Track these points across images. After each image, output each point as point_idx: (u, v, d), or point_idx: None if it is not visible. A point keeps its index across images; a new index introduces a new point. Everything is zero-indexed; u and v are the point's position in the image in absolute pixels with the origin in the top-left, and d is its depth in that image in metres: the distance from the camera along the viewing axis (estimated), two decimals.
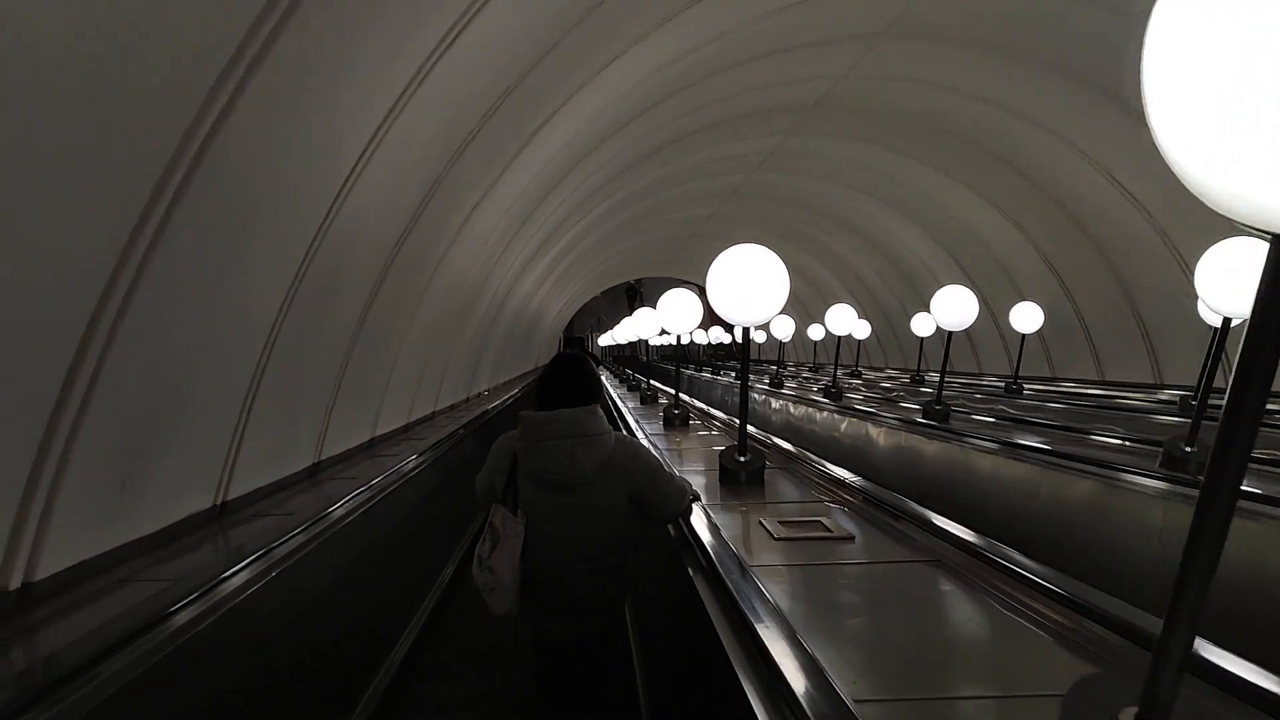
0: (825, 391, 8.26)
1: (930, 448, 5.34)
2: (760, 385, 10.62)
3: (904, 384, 10.68)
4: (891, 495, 2.87)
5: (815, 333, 13.54)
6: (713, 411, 6.72)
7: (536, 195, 6.86)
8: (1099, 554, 3.52)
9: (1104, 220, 8.19)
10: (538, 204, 7.21)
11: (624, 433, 3.61)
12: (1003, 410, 6.60)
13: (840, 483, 3.29)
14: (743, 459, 3.38)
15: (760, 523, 2.67)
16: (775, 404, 9.70)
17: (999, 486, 4.49)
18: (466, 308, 7.09)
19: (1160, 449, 3.44)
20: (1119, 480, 3.57)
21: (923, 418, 5.72)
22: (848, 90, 7.98)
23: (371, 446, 4.88)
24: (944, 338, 6.02)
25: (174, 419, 2.42)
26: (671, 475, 2.52)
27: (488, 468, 2.41)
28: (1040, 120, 7.68)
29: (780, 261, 3.02)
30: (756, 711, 1.31)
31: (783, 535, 2.51)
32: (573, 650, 2.35)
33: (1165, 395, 7.09)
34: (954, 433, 5.19)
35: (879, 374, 14.05)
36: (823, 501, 3.11)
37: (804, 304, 17.16)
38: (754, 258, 3.02)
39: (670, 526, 2.55)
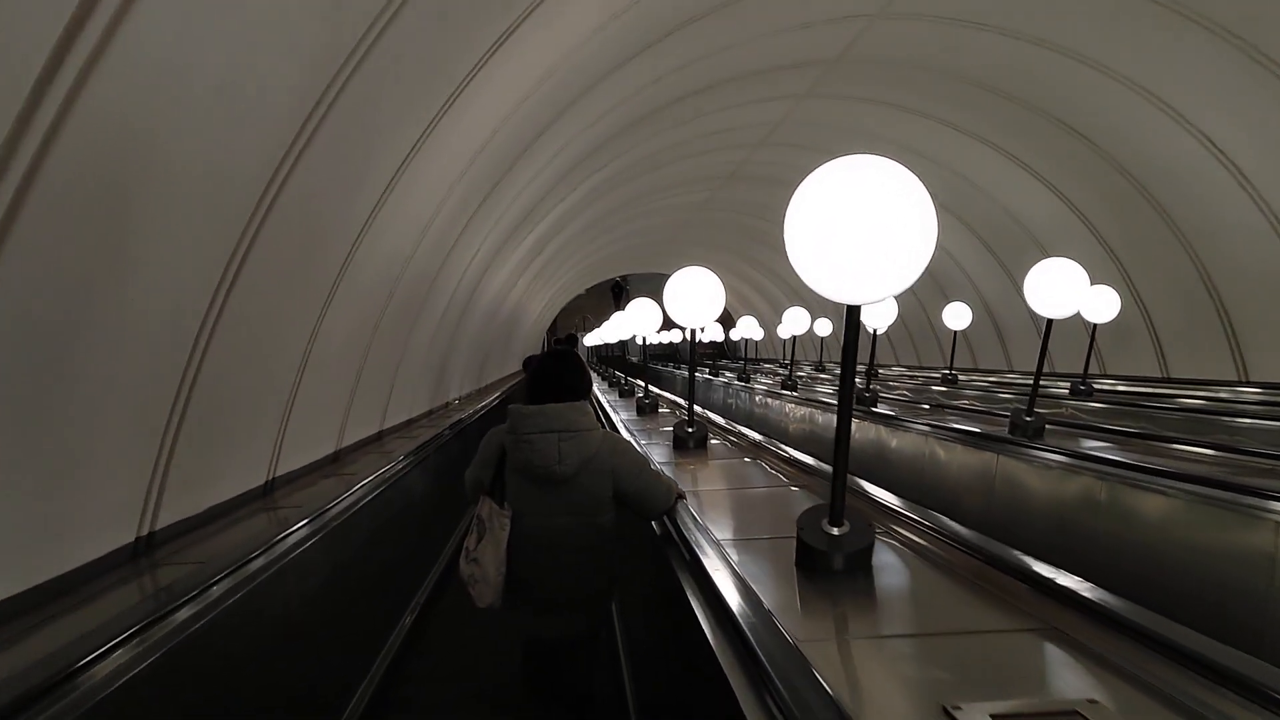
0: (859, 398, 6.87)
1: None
2: (768, 389, 9.50)
3: (933, 384, 9.41)
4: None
5: (822, 328, 12.14)
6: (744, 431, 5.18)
7: (493, 168, 5.38)
8: None
9: (1181, 192, 6.87)
10: (501, 177, 5.66)
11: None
12: (1083, 419, 5.32)
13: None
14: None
15: None
16: (797, 411, 8.18)
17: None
18: (411, 303, 5.37)
19: None
20: None
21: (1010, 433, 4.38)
22: (879, 37, 6.56)
23: (269, 492, 3.39)
24: (1042, 329, 4.62)
25: None
26: (658, 472, 2.52)
27: (476, 462, 2.42)
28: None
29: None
30: (742, 704, 1.28)
31: None
32: (559, 645, 2.38)
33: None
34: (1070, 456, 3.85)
35: (890, 371, 12.74)
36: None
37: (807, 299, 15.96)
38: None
39: (654, 523, 2.51)
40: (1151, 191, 7.23)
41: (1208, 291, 7.14)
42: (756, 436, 4.36)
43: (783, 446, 3.92)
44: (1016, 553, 1.97)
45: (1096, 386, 7.15)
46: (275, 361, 3.24)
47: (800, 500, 2.97)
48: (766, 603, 1.65)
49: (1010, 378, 9.70)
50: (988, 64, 6.97)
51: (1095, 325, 6.71)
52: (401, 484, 4.47)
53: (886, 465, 5.47)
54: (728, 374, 13.02)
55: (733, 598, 1.67)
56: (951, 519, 2.31)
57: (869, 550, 2.01)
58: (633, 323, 5.51)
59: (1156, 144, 6.73)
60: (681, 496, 2.52)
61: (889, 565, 2.14)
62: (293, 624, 2.76)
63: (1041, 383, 4.45)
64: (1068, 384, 7.31)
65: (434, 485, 5.48)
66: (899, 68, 7.34)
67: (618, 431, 4.87)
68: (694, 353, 4.08)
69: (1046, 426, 4.35)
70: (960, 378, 9.47)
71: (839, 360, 10.05)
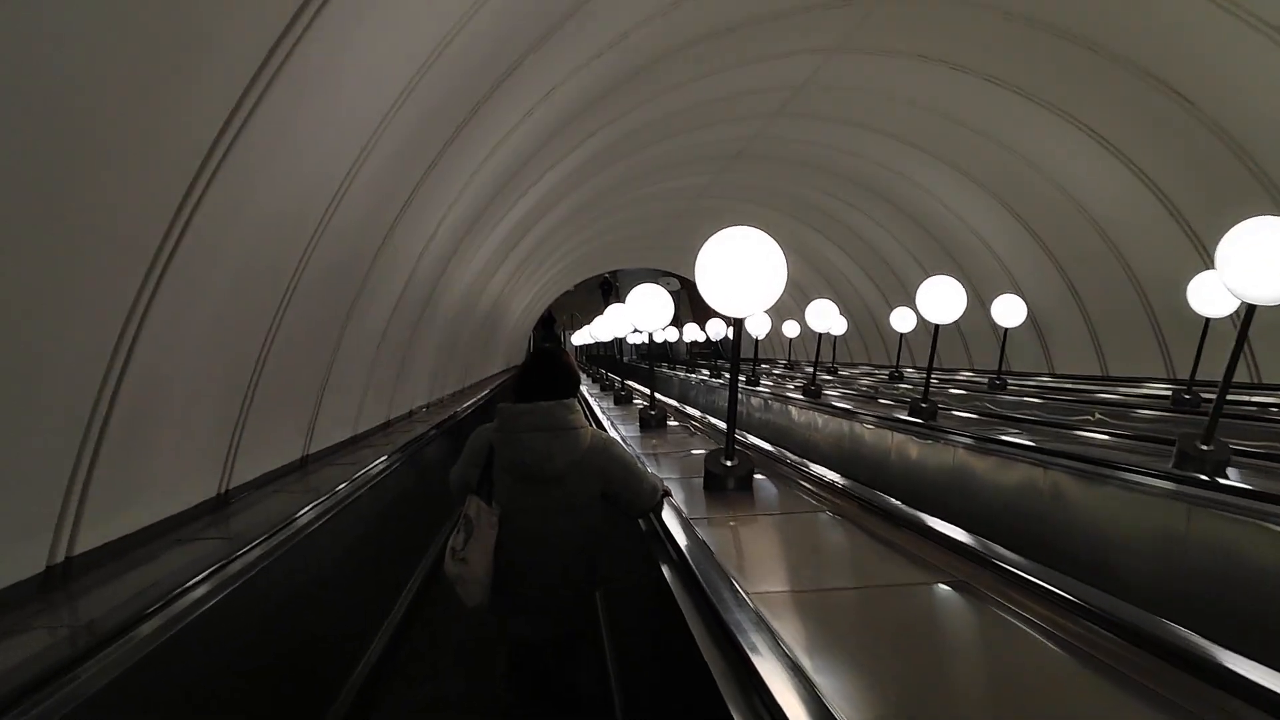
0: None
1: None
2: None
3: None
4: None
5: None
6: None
7: (445, 113, 4.23)
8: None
9: None
10: (455, 132, 4.49)
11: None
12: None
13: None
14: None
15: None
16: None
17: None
18: (342, 285, 4.14)
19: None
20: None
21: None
22: None
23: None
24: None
25: None
26: (645, 471, 2.53)
27: (463, 460, 2.42)
28: None
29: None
30: (728, 703, 1.30)
31: None
32: (545, 644, 2.37)
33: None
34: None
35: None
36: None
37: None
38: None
39: (641, 520, 2.55)
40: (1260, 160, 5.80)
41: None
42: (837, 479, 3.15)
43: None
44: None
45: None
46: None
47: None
48: None
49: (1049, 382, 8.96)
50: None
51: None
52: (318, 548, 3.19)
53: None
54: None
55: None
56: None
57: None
58: (639, 317, 4.88)
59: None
60: (667, 494, 2.56)
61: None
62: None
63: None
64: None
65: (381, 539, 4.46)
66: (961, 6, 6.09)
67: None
68: (737, 357, 3.10)
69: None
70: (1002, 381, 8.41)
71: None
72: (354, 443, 5.08)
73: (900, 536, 2.42)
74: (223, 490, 3.10)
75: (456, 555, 2.21)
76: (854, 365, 15.38)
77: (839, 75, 7.59)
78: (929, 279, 5.33)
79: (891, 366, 11.57)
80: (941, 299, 5.28)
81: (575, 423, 2.32)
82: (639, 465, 2.54)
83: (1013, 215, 9.03)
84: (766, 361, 18.38)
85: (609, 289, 29.65)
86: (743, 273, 2.77)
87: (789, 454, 3.75)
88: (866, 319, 14.64)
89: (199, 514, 2.89)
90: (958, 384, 9.72)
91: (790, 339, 14.91)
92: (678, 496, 3.09)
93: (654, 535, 2.40)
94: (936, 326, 5.44)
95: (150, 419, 2.49)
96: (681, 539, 2.18)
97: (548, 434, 2.26)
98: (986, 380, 8.40)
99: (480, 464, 2.34)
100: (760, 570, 2.37)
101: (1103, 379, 8.82)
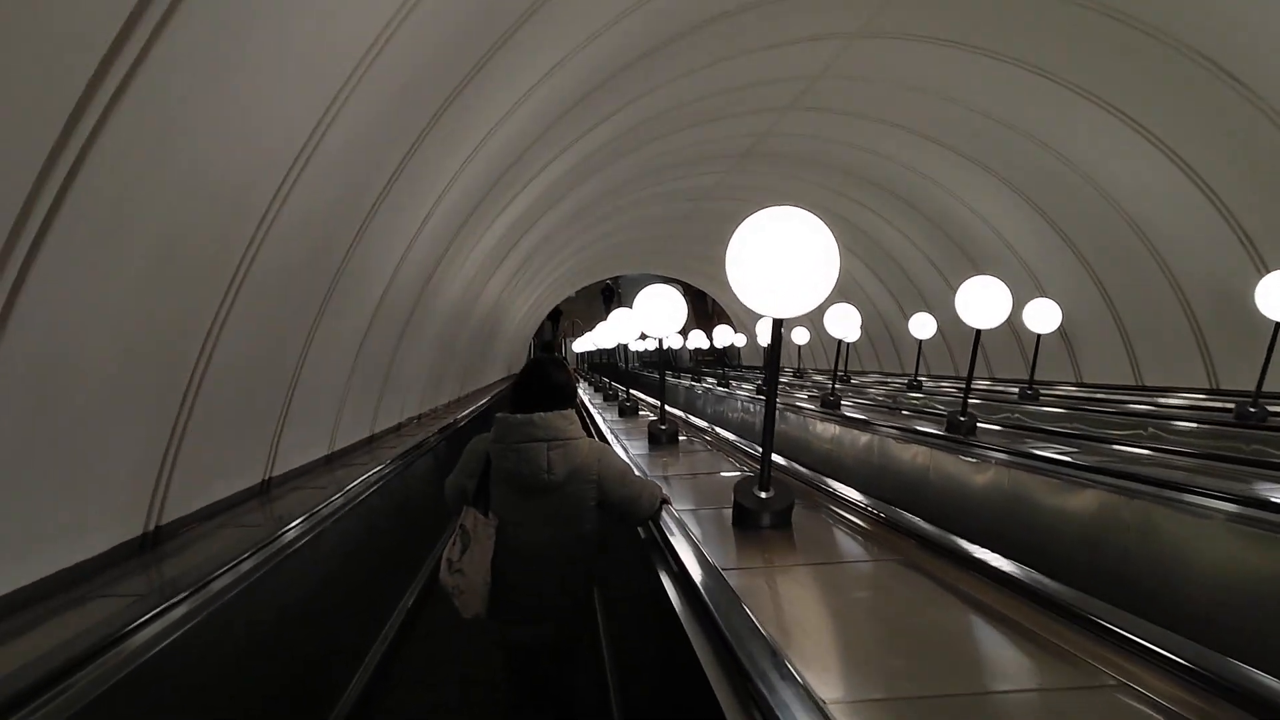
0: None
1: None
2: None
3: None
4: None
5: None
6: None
7: (425, 86, 3.70)
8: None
9: None
10: (443, 106, 3.95)
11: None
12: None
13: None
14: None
15: None
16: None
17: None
18: (309, 279, 3.56)
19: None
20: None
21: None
22: None
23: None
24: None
25: None
26: (643, 479, 2.52)
27: (459, 470, 2.40)
28: None
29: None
30: (725, 709, 1.28)
31: None
32: (543, 651, 2.37)
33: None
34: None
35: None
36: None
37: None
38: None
39: (640, 528, 2.51)
40: None
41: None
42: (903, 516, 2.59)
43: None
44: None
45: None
46: None
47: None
48: None
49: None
50: None
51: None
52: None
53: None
54: (746, 387, 11.64)
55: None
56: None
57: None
58: (649, 321, 4.43)
59: None
60: (666, 501, 2.50)
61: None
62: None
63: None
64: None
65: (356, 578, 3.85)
66: None
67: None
68: (775, 369, 2.61)
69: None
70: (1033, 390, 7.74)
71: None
72: (329, 462, 4.55)
73: (1002, 600, 1.87)
74: (150, 528, 2.55)
75: (453, 567, 2.21)
76: (864, 374, 14.85)
77: (860, 64, 7.04)
78: (970, 278, 4.80)
79: (909, 375, 11.02)
80: (985, 301, 4.74)
81: (573, 433, 2.30)
82: (635, 473, 2.52)
83: (1042, 216, 8.48)
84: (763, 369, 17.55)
85: (610, 295, 29.21)
86: (788, 263, 2.27)
87: (829, 480, 3.19)
88: (878, 325, 14.14)
89: (113, 560, 2.34)
90: (979, 393, 9.20)
91: (799, 346, 14.45)
92: (699, 532, 2.56)
93: (652, 543, 2.36)
94: (978, 332, 4.90)
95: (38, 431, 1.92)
96: (712, 598, 1.70)
97: (545, 445, 2.23)
98: (1017, 390, 7.85)
99: (477, 474, 2.33)
100: (830, 657, 1.68)
101: (1138, 389, 8.29)
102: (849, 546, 2.49)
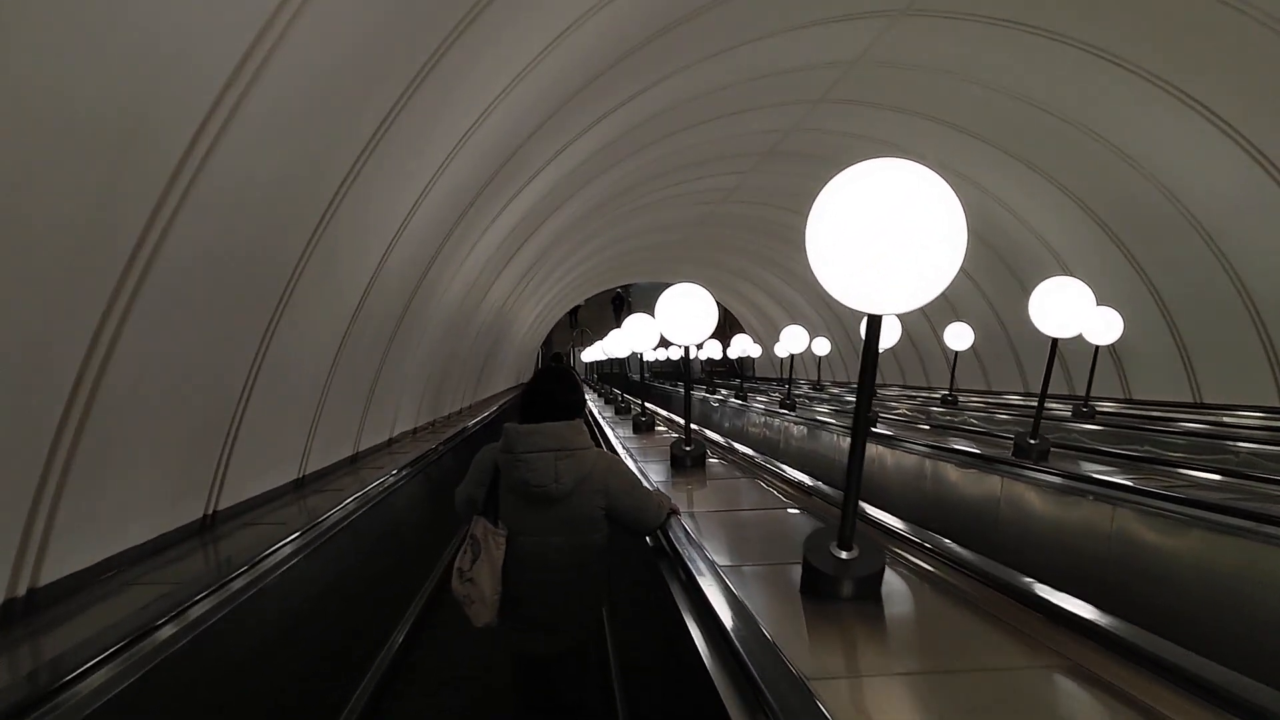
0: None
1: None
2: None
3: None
4: None
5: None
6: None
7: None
8: None
9: None
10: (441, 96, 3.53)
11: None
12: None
13: None
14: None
15: None
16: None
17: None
18: (246, 281, 2.87)
19: None
20: None
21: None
22: None
23: None
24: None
25: None
26: (650, 490, 2.54)
27: (468, 480, 2.41)
28: None
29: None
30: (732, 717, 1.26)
31: None
32: (551, 660, 2.37)
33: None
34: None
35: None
36: None
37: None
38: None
39: (648, 538, 2.55)
40: None
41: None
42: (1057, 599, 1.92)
43: None
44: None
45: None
46: None
47: None
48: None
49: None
50: None
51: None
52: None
53: None
54: (762, 399, 10.93)
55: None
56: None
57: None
58: (672, 327, 3.83)
59: None
60: (675, 512, 2.55)
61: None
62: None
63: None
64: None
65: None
66: None
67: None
68: (870, 386, 1.85)
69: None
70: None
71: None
72: (300, 487, 3.90)
73: None
74: (20, 593, 1.89)
75: (464, 575, 2.21)
76: (885, 386, 14.14)
77: (900, 48, 6.42)
78: (1047, 280, 4.13)
79: (937, 389, 10.35)
80: (1064, 306, 4.08)
81: (582, 443, 2.29)
82: (643, 483, 2.54)
83: (1090, 216, 7.83)
84: (783, 381, 16.70)
85: (621, 304, 28.62)
86: (898, 237, 1.58)
87: (932, 534, 2.48)
88: (901, 336, 13.48)
89: None
90: (1012, 409, 8.47)
91: (820, 357, 13.78)
92: (755, 603, 1.88)
93: (660, 551, 2.39)
94: (1054, 341, 4.22)
95: None
96: None
97: (554, 455, 2.22)
98: (1071, 408, 7.13)
99: (486, 484, 2.33)
100: None
101: (1198, 406, 7.59)
102: (965, 632, 1.81)
